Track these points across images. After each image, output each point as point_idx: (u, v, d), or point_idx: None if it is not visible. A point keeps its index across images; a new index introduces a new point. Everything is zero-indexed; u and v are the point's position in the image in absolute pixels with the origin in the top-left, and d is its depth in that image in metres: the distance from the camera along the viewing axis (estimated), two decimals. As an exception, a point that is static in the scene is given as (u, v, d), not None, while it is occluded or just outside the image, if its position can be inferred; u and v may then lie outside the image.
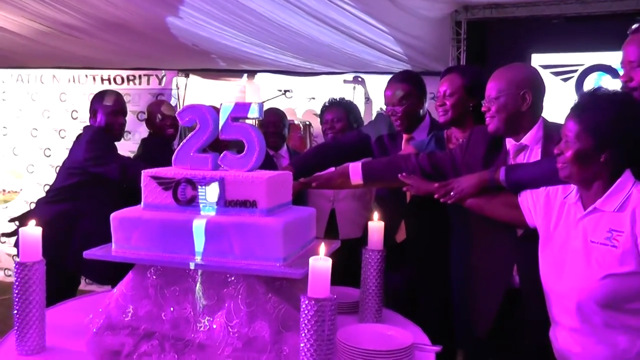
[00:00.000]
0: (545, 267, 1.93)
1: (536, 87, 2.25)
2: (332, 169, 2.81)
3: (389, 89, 2.95)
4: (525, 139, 2.22)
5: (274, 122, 3.83)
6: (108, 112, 3.53)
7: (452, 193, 2.26)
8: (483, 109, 2.28)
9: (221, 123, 2.01)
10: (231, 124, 2.01)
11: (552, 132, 2.18)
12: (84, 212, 3.36)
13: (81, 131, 3.66)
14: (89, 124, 3.64)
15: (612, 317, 1.74)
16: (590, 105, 1.80)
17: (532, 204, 2.05)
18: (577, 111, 1.82)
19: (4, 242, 5.56)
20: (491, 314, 2.26)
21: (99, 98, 3.63)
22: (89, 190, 3.42)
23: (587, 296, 1.76)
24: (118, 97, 3.68)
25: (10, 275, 5.61)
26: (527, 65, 2.52)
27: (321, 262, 1.59)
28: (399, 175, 2.40)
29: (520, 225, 2.14)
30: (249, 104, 2.00)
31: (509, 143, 2.29)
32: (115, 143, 3.59)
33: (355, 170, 2.53)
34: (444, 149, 2.66)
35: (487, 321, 2.27)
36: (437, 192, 2.28)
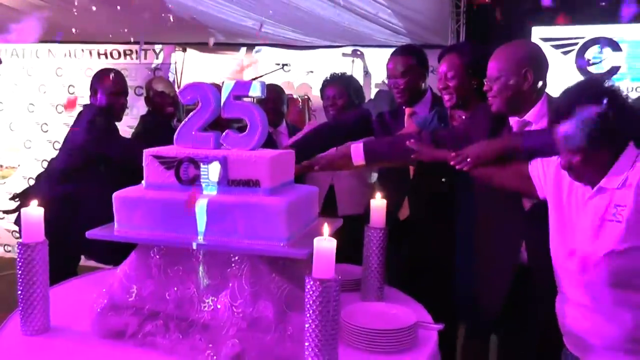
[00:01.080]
0: (556, 243, 1.93)
1: (538, 65, 2.23)
2: (334, 149, 2.80)
3: (392, 61, 2.96)
4: (529, 116, 2.22)
5: (272, 99, 3.79)
6: (109, 92, 3.50)
7: (468, 159, 2.22)
8: (485, 88, 2.27)
9: (223, 101, 1.99)
10: (233, 102, 1.99)
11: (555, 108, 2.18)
12: (86, 193, 3.34)
13: (81, 109, 3.63)
14: (89, 102, 3.61)
15: (620, 295, 1.74)
16: (567, 111, 1.76)
17: (543, 173, 2.03)
18: (559, 121, 1.79)
19: (3, 217, 5.55)
20: (502, 293, 2.26)
21: (99, 77, 3.59)
22: (91, 171, 3.40)
23: (595, 273, 1.76)
24: (119, 77, 3.64)
25: (10, 251, 5.62)
26: (528, 42, 2.50)
27: (326, 243, 1.58)
28: (407, 141, 2.36)
29: (530, 195, 2.12)
30: (250, 82, 1.98)
31: (512, 119, 2.28)
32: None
33: (357, 151, 2.51)
34: (447, 125, 2.65)
35: (498, 298, 2.27)
36: (453, 159, 2.24)
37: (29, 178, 5.59)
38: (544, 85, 2.27)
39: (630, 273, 1.73)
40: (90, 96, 3.59)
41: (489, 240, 2.35)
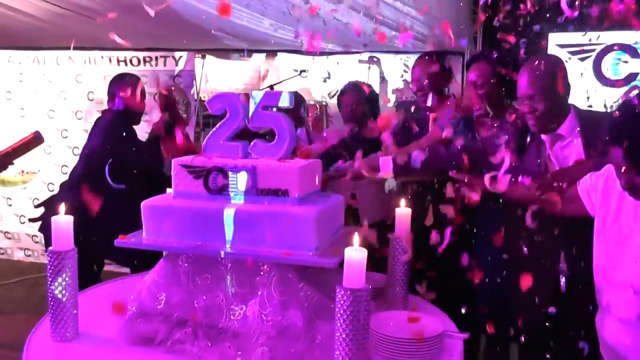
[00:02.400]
0: (602, 256, 1.90)
1: (564, 77, 2.24)
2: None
3: (417, 66, 3.07)
4: (562, 129, 2.23)
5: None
6: (126, 96, 3.52)
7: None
8: (522, 108, 2.27)
9: (251, 111, 2.01)
10: (261, 112, 2.01)
11: (586, 122, 2.18)
12: (108, 198, 3.38)
13: (99, 114, 3.66)
14: (107, 107, 3.64)
15: None
16: (629, 130, 1.70)
17: (592, 187, 2.00)
18: (619, 139, 1.71)
19: (23, 222, 5.61)
20: (541, 304, 2.26)
21: (116, 82, 3.61)
22: (111, 174, 3.43)
23: None
24: (136, 81, 3.66)
25: (30, 256, 5.66)
26: (550, 56, 2.51)
27: (356, 253, 1.60)
28: (450, 172, 2.36)
29: (583, 216, 2.06)
30: (280, 93, 2.00)
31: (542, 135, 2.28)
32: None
33: (385, 163, 2.52)
34: (474, 130, 2.66)
35: (535, 308, 2.26)
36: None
37: (49, 183, 5.64)
38: (568, 97, 2.27)
39: None
40: (108, 101, 3.62)
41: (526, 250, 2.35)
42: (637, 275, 1.73)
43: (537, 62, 2.29)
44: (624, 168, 1.72)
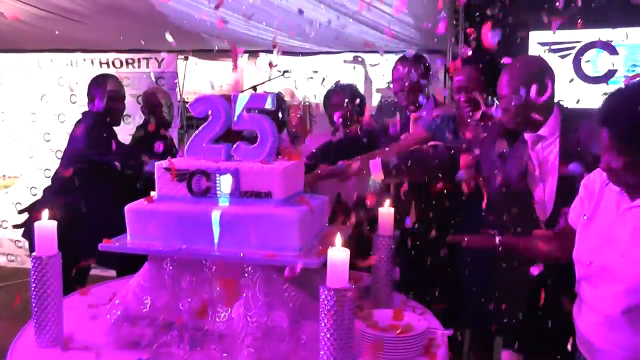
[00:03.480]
0: (584, 249, 1.89)
1: (548, 79, 2.25)
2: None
3: (398, 66, 3.08)
4: (543, 130, 2.25)
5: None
6: (106, 97, 3.51)
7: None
8: (500, 105, 2.29)
9: (236, 114, 2.02)
10: (245, 114, 2.02)
11: (568, 122, 2.21)
12: (91, 201, 3.37)
13: (80, 117, 3.64)
14: (87, 109, 3.63)
15: None
16: (621, 114, 1.70)
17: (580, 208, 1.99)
18: (609, 122, 1.72)
19: (6, 227, 5.56)
20: (518, 300, 2.29)
21: (96, 83, 3.61)
22: (94, 177, 3.42)
23: (634, 286, 1.72)
24: (115, 82, 3.66)
25: (13, 261, 5.61)
26: (537, 57, 2.51)
27: (339, 253, 1.61)
28: (449, 237, 2.28)
29: None
30: (265, 95, 2.01)
31: (527, 133, 2.30)
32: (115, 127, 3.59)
33: (375, 165, 2.54)
34: (457, 130, 2.69)
35: (517, 307, 2.29)
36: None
37: (32, 187, 5.60)
38: (554, 97, 2.29)
39: None
40: (88, 103, 3.61)
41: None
42: (625, 270, 1.73)
43: (515, 62, 2.31)
44: (605, 150, 1.73)
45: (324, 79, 4.26)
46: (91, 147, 3.39)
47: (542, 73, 2.26)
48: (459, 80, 2.69)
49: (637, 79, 1.84)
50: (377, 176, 2.56)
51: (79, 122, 3.59)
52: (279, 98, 4.02)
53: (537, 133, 2.27)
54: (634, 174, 1.71)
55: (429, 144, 2.53)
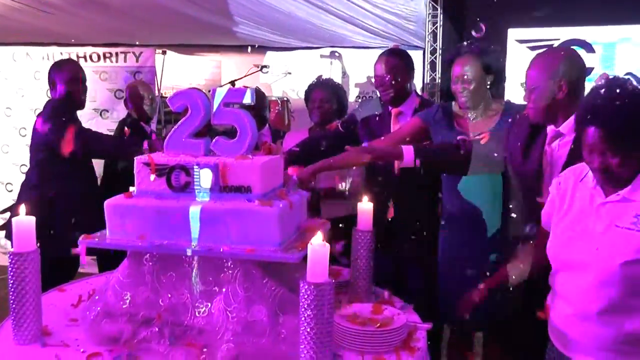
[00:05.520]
0: (557, 247, 1.92)
1: (574, 74, 2.20)
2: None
3: (379, 62, 3.04)
4: (563, 127, 2.21)
5: (255, 105, 3.82)
6: (66, 80, 3.50)
7: None
8: (524, 98, 2.28)
9: (214, 108, 2.01)
10: (223, 109, 2.02)
11: None
12: (63, 191, 3.35)
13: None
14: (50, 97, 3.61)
15: (625, 299, 1.74)
16: (613, 112, 1.70)
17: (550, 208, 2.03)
18: (600, 121, 1.72)
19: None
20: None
21: (56, 68, 3.61)
22: (62, 167, 3.39)
23: (607, 279, 1.75)
24: (75, 65, 3.67)
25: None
26: (565, 50, 2.45)
27: (319, 248, 1.62)
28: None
29: None
30: (244, 90, 2.01)
31: (549, 128, 2.28)
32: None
33: (408, 152, 2.50)
34: (451, 119, 2.69)
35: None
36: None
37: (7, 183, 5.54)
38: (581, 94, 2.22)
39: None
40: (50, 90, 3.60)
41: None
42: (599, 262, 1.76)
43: (545, 53, 2.30)
44: (599, 149, 1.73)
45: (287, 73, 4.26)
46: (54, 132, 3.35)
47: (568, 67, 2.20)
48: (456, 71, 2.67)
49: (613, 76, 1.85)
50: (408, 163, 2.52)
51: (42, 110, 3.56)
52: (260, 94, 4.02)
53: (558, 129, 2.23)
54: (628, 168, 1.74)
55: (458, 137, 2.51)
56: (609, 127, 1.70)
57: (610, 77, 1.84)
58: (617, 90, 1.71)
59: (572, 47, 5.77)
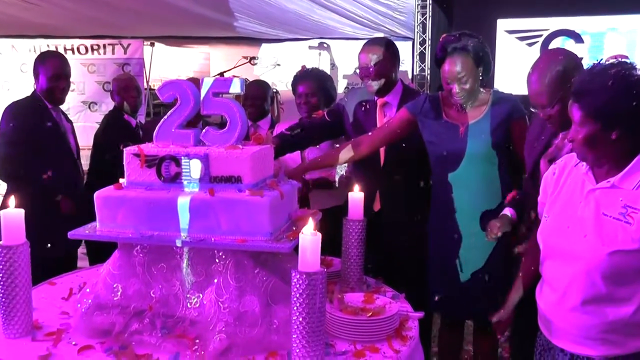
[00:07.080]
0: (547, 233, 1.92)
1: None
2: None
3: (364, 51, 2.98)
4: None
5: (252, 96, 3.82)
6: (49, 75, 3.43)
7: None
8: (542, 116, 2.21)
9: (202, 98, 2.00)
10: (212, 99, 2.00)
11: None
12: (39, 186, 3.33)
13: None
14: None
15: (610, 289, 1.75)
16: (587, 87, 1.73)
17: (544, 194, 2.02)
18: (576, 95, 1.75)
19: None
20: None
21: (40, 60, 3.53)
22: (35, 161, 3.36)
23: (594, 267, 1.74)
24: (60, 60, 3.59)
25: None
26: (564, 53, 2.25)
27: (311, 237, 1.62)
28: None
29: None
30: (231, 79, 1.99)
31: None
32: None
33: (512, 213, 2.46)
34: (440, 110, 2.68)
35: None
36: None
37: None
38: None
39: (627, 272, 1.73)
40: (35, 82, 3.54)
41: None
42: (587, 250, 1.76)
43: (548, 63, 2.20)
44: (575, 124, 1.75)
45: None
46: (26, 126, 3.32)
47: (573, 70, 2.09)
48: (448, 68, 2.61)
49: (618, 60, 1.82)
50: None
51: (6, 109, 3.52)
52: (264, 85, 3.99)
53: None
54: (591, 149, 1.75)
55: None
56: (584, 102, 1.72)
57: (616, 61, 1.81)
58: (598, 70, 1.73)
59: (561, 36, 5.81)
